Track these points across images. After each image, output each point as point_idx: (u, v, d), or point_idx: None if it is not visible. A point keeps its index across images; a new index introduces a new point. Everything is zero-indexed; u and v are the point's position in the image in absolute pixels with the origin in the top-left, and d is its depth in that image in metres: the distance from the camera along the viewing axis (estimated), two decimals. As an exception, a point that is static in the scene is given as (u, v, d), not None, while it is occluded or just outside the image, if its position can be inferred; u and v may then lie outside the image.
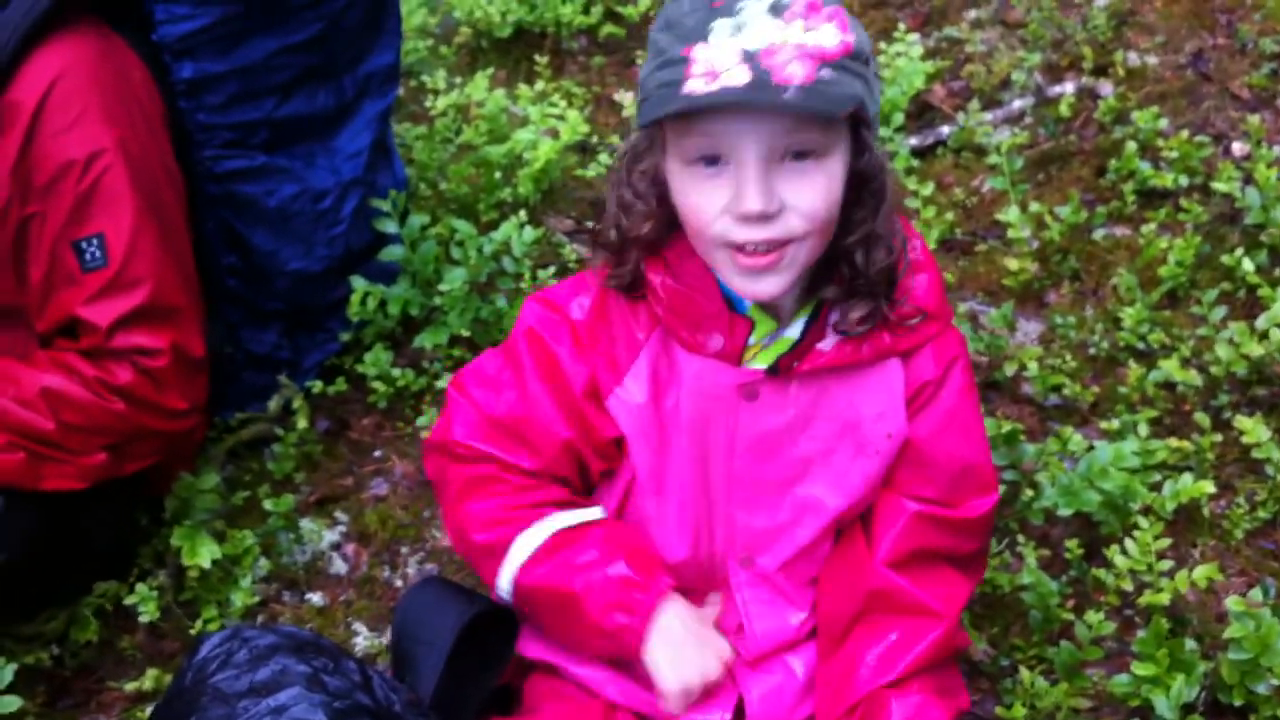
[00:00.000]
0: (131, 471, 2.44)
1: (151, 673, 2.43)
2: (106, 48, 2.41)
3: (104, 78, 2.37)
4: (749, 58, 1.54)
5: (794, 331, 1.79)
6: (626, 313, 1.82)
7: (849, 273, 1.75)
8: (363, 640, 2.51)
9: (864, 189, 1.71)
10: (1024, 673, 2.23)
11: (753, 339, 1.78)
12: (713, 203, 1.64)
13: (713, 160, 1.63)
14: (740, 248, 1.65)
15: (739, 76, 1.53)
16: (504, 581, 1.88)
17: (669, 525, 1.88)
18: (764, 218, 1.61)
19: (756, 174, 1.60)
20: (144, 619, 2.45)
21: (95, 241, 2.34)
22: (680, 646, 1.80)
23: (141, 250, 2.37)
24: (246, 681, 1.78)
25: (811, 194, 1.63)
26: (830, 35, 1.58)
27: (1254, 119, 3.22)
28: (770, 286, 1.68)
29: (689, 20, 1.60)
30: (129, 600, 2.47)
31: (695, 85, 1.55)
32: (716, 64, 1.55)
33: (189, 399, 2.45)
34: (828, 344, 1.78)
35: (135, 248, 2.36)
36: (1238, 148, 3.31)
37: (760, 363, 1.79)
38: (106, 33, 2.43)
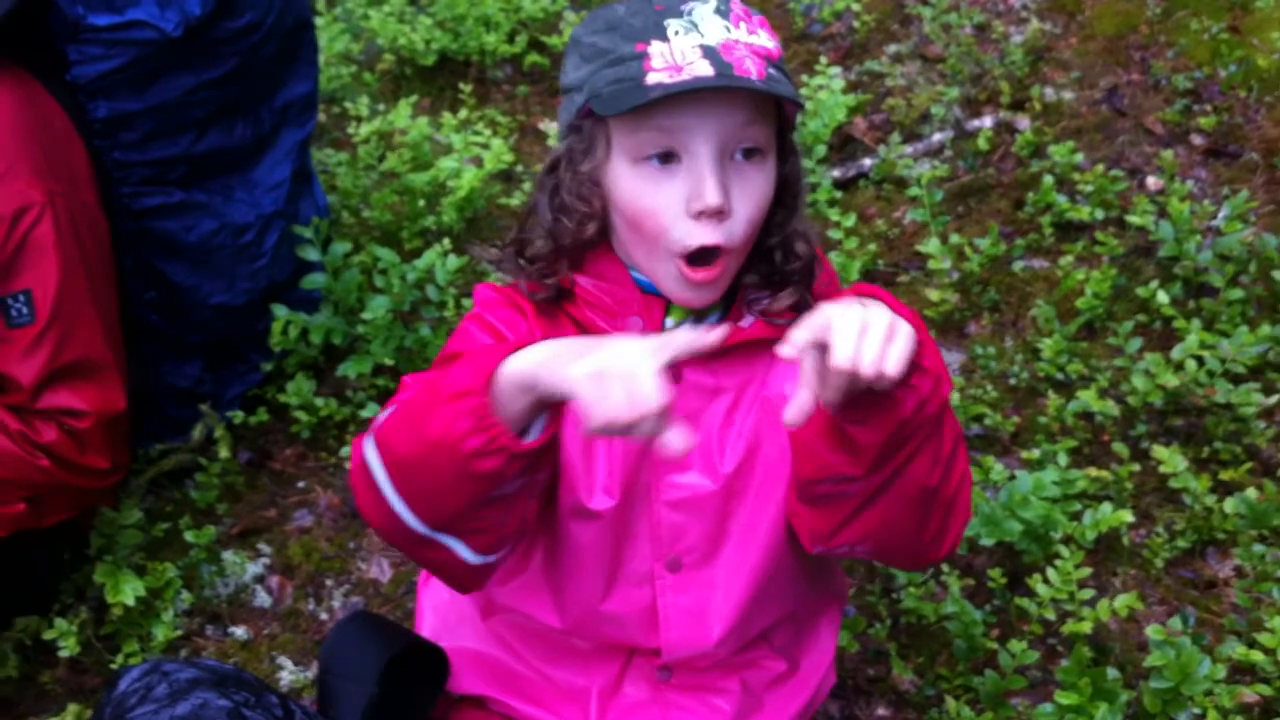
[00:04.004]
0: (50, 524, 2.41)
1: (72, 708, 2.38)
2: (27, 96, 2.37)
3: (28, 130, 2.34)
4: (709, 52, 1.58)
5: (711, 320, 1.79)
6: (550, 325, 1.81)
7: (767, 269, 1.77)
8: (287, 675, 2.48)
9: (786, 191, 1.74)
10: (950, 702, 2.25)
11: (670, 321, 1.77)
12: (668, 202, 1.64)
13: (666, 157, 1.63)
14: (689, 261, 1.65)
15: (704, 68, 1.56)
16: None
17: (593, 530, 1.85)
18: (719, 213, 1.62)
19: (713, 168, 1.61)
20: (64, 654, 2.41)
21: (22, 298, 2.30)
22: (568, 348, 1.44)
23: (67, 306, 2.34)
24: (166, 716, 1.76)
25: (754, 196, 1.66)
26: (767, 39, 1.65)
27: (1167, 154, 3.29)
28: (709, 295, 1.71)
29: (635, 21, 1.63)
30: (49, 635, 2.42)
31: (660, 77, 1.57)
32: (678, 58, 1.58)
33: (111, 459, 2.42)
34: (746, 322, 1.79)
35: (61, 303, 2.33)
36: (1152, 182, 3.38)
37: None
38: (24, 78, 2.39)
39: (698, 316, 1.79)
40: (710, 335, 1.44)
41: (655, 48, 1.60)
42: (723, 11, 1.63)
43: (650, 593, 1.85)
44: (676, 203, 1.63)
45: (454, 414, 1.44)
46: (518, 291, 1.84)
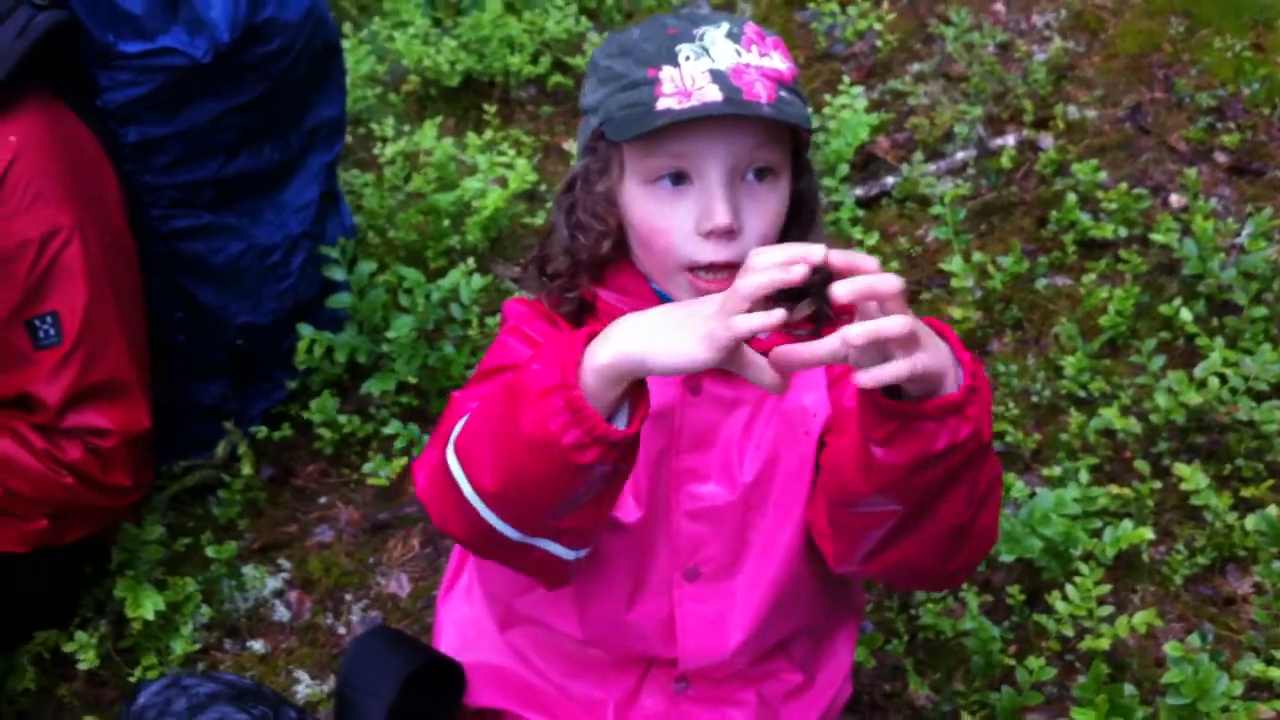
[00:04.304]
0: (71, 540, 2.43)
1: (90, 721, 2.41)
2: (58, 121, 2.40)
3: (59, 154, 2.36)
4: (719, 77, 1.59)
5: None
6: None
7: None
8: (304, 689, 2.49)
9: (802, 209, 1.75)
10: (966, 718, 2.24)
11: None
12: (679, 222, 1.65)
13: (678, 178, 1.65)
14: (699, 274, 1.66)
15: (712, 94, 1.58)
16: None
17: (618, 540, 1.85)
18: (729, 233, 1.63)
19: (723, 189, 1.62)
20: (83, 667, 2.43)
21: (49, 319, 2.33)
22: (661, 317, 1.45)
23: (94, 327, 2.37)
24: (185, 730, 1.77)
25: (766, 216, 1.67)
26: (780, 61, 1.66)
27: (1191, 172, 3.28)
28: None
29: (648, 46, 1.65)
30: (68, 648, 2.44)
31: (670, 103, 1.59)
32: (687, 83, 1.59)
33: (134, 478, 2.44)
34: (764, 334, 1.78)
35: (88, 325, 2.36)
36: (1175, 199, 3.37)
37: None
38: (54, 104, 2.42)
39: None
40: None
41: (666, 73, 1.61)
42: (735, 35, 1.65)
43: (668, 602, 1.86)
44: (687, 222, 1.65)
45: (546, 411, 1.41)
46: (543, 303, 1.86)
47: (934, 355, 1.35)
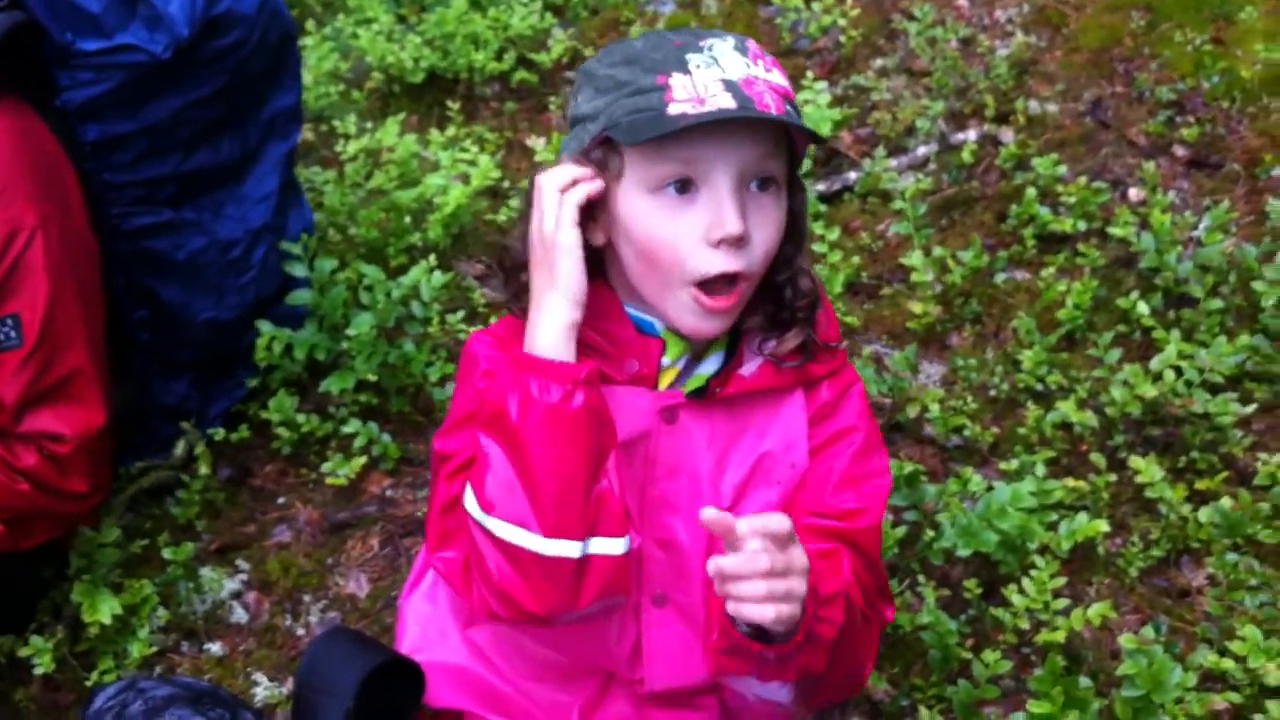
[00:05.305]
0: (30, 546, 2.41)
1: (46, 726, 2.39)
2: (19, 120, 2.39)
3: (21, 154, 2.35)
4: (731, 86, 1.62)
5: (711, 365, 1.81)
6: None
7: (772, 307, 1.78)
8: (263, 690, 2.48)
9: (793, 225, 1.77)
10: (923, 712, 2.24)
11: (666, 360, 1.78)
12: (687, 231, 1.66)
13: (683, 186, 1.66)
14: (705, 288, 1.68)
15: (726, 101, 1.60)
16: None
17: None
18: (739, 241, 1.65)
19: (733, 197, 1.64)
20: (39, 671, 2.41)
21: (10, 322, 2.31)
22: None
23: (55, 329, 2.35)
24: (140, 733, 1.77)
25: (771, 227, 1.70)
26: (781, 78, 1.69)
27: (1150, 165, 3.29)
28: (722, 324, 1.73)
29: (655, 54, 1.66)
30: (24, 652, 2.43)
31: (684, 108, 1.60)
32: (700, 90, 1.61)
33: (91, 482, 2.43)
34: (748, 369, 1.80)
35: (49, 327, 2.34)
36: (1134, 193, 3.38)
37: (682, 388, 1.79)
38: (15, 102, 2.40)
39: (696, 356, 1.81)
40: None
41: (676, 80, 1.63)
42: (741, 49, 1.68)
43: (636, 627, 1.87)
44: (695, 231, 1.66)
45: (523, 393, 1.63)
46: (508, 330, 1.86)
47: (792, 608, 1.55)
